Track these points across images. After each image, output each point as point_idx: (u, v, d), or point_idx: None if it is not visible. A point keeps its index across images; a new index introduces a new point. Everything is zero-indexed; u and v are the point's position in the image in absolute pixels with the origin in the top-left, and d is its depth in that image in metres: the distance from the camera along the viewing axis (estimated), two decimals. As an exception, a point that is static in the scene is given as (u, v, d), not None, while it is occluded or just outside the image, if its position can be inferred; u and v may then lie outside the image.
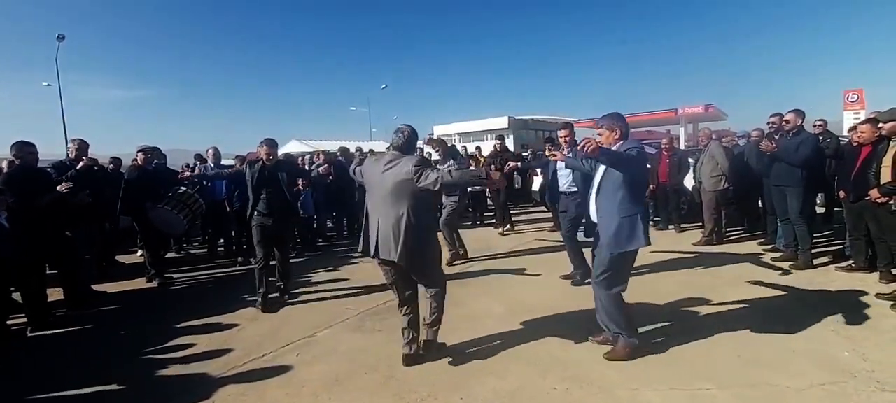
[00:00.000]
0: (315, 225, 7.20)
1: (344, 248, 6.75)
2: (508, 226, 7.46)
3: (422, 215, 2.65)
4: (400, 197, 2.60)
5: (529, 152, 11.25)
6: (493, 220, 8.33)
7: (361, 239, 2.82)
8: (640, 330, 3.09)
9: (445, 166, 4.43)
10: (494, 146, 7.72)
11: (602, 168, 2.82)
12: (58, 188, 4.04)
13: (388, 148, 3.05)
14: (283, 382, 2.79)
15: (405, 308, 2.89)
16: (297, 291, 4.63)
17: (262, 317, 3.93)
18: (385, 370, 2.85)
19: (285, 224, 4.59)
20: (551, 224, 7.18)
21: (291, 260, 6.05)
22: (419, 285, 2.90)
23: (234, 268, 5.85)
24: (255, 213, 4.15)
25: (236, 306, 4.20)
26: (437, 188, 2.56)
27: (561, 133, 4.61)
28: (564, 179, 4.52)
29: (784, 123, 4.69)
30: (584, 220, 3.25)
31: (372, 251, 2.70)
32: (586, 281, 4.25)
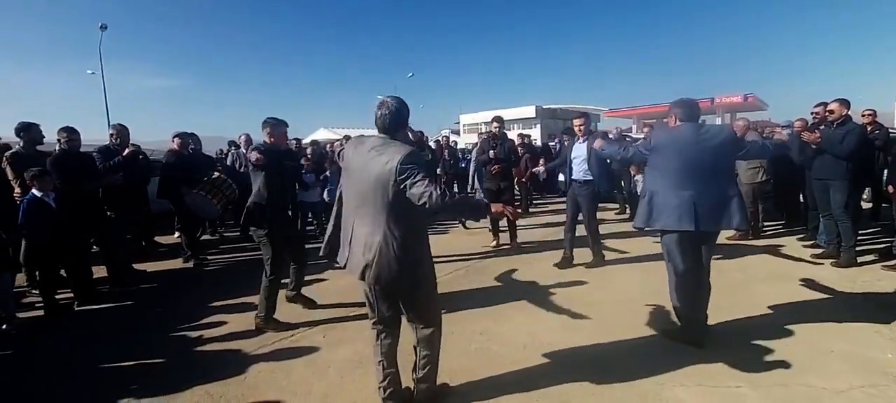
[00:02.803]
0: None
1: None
2: (495, 243, 5.82)
3: (409, 221, 2.00)
4: (381, 195, 1.95)
5: (556, 142, 11.10)
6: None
7: (326, 241, 2.29)
8: (669, 324, 3.06)
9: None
10: (492, 129, 5.72)
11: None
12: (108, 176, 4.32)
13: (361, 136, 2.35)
14: (309, 362, 2.87)
15: (381, 328, 2.24)
16: (323, 276, 4.74)
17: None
18: (407, 355, 2.88)
19: (299, 223, 4.35)
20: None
21: (315, 246, 6.21)
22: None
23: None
24: (274, 216, 3.30)
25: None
26: (420, 204, 1.86)
27: (576, 122, 4.74)
28: (578, 168, 4.61)
29: (828, 113, 4.45)
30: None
31: (342, 260, 2.13)
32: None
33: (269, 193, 3.28)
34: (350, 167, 2.12)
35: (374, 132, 2.13)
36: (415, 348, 2.29)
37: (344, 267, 2.13)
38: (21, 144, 4.40)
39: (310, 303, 3.73)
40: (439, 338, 2.26)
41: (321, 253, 2.32)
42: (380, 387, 2.27)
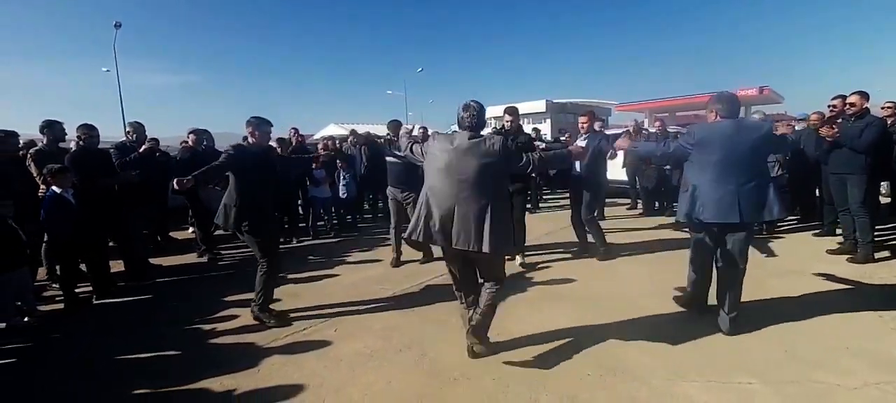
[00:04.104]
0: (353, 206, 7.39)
1: (380, 229, 6.88)
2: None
3: (506, 199, 2.60)
4: (484, 180, 2.42)
5: (566, 136, 11.03)
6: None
7: (416, 223, 2.52)
8: (679, 320, 3.05)
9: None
10: (505, 123, 4.84)
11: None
12: (124, 174, 4.38)
13: (452, 129, 2.80)
14: (321, 355, 2.92)
15: (466, 292, 2.76)
16: (335, 271, 4.79)
17: (301, 294, 4.10)
18: (418, 348, 2.93)
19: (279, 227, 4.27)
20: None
21: (325, 241, 6.30)
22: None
23: (276, 247, 6.10)
24: (261, 215, 3.25)
25: (278, 282, 4.39)
26: (528, 170, 2.58)
27: (581, 119, 4.87)
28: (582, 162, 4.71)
29: (848, 106, 4.35)
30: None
31: (441, 239, 2.44)
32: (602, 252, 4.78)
33: (242, 194, 3.16)
34: (441, 161, 2.49)
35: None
36: (484, 294, 2.65)
37: (444, 244, 2.46)
38: (44, 142, 4.51)
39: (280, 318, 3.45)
40: (501, 294, 2.71)
41: (415, 237, 2.51)
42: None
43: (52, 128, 4.47)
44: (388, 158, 4.83)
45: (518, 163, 2.54)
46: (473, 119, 2.52)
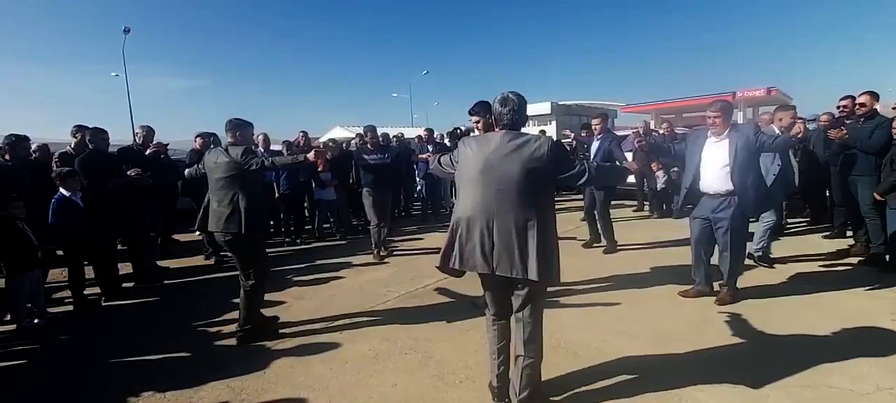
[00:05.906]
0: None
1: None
2: None
3: (553, 216, 2.09)
4: (529, 189, 1.98)
5: (571, 138, 10.97)
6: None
7: (450, 247, 2.12)
8: (688, 322, 3.02)
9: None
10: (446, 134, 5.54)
11: (724, 148, 3.25)
12: (129, 173, 4.37)
13: (461, 131, 2.55)
14: (327, 358, 2.92)
15: (501, 323, 2.26)
16: (341, 274, 4.80)
17: (307, 296, 4.11)
18: (423, 351, 2.92)
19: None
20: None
21: (331, 243, 6.31)
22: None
23: (282, 249, 6.13)
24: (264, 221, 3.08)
25: (284, 284, 4.41)
26: (581, 182, 2.12)
27: (594, 122, 5.19)
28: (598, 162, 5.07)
29: (858, 107, 4.30)
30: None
31: (477, 265, 2.03)
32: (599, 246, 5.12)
33: (257, 198, 3.08)
34: (480, 166, 2.06)
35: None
36: (520, 358, 2.15)
37: (481, 271, 2.05)
38: (71, 145, 4.60)
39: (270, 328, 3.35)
40: (542, 334, 2.17)
41: (451, 265, 2.13)
42: (497, 375, 2.26)
43: (81, 131, 4.62)
44: (362, 160, 5.23)
45: (569, 170, 2.07)
46: (514, 114, 2.09)
